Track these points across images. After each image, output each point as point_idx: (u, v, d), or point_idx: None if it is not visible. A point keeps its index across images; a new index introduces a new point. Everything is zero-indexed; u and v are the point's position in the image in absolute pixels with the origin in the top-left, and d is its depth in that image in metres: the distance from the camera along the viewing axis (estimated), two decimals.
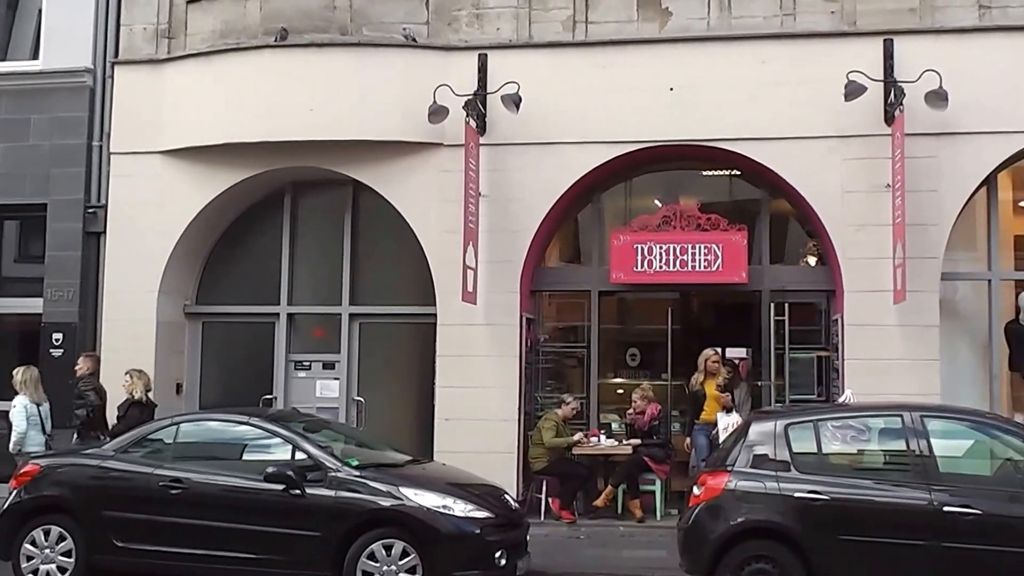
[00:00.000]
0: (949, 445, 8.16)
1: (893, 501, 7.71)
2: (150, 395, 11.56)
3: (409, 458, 9.74)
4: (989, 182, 11.74)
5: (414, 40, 12.38)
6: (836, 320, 11.93)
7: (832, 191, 11.62)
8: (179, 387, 13.33)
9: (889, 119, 11.26)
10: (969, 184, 11.48)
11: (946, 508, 7.49)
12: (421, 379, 12.85)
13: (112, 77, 13.36)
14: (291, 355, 13.31)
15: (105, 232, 13.14)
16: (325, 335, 13.40)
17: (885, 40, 11.47)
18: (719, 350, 12.31)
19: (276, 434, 9.10)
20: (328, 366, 13.21)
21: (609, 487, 12.06)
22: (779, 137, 11.70)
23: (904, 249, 10.76)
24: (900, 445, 7.99)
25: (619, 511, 12.07)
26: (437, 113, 11.72)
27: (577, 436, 12.13)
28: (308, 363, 13.30)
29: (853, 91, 11.09)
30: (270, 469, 8.59)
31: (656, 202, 12.96)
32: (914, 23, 11.62)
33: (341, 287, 13.19)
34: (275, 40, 12.36)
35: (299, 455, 8.81)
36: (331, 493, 8.51)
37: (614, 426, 12.90)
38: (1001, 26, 11.53)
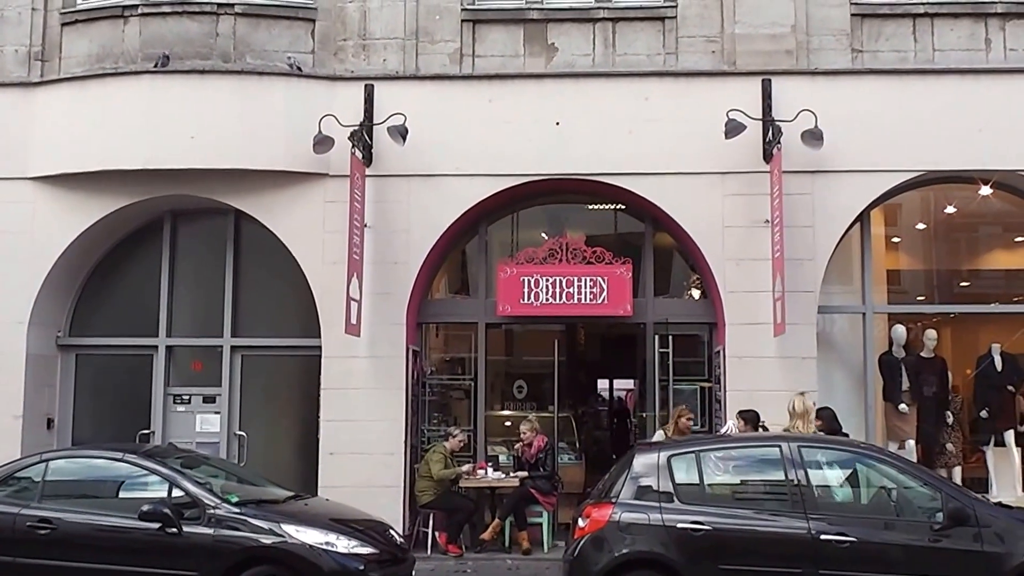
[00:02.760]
0: (826, 475, 8.37)
1: (772, 530, 7.83)
2: None
3: (291, 494, 9.55)
4: (862, 218, 12.15)
5: (299, 69, 12.25)
6: (718, 352, 12.14)
7: (713, 225, 11.86)
8: (50, 422, 12.80)
9: (767, 156, 11.57)
10: (843, 220, 11.85)
11: (823, 536, 7.64)
12: (305, 412, 12.63)
13: None
14: (170, 388, 12.93)
15: None
16: (205, 367, 13.06)
17: (763, 80, 11.80)
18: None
19: (152, 471, 8.82)
20: (208, 400, 12.86)
21: (496, 520, 12.00)
22: (662, 172, 11.92)
23: (783, 283, 11.02)
24: (779, 475, 8.11)
25: (506, 544, 12.01)
26: (322, 143, 11.60)
27: (465, 468, 12.07)
28: (188, 396, 12.93)
29: (733, 129, 11.36)
30: (145, 507, 8.31)
31: (543, 235, 13.03)
32: (790, 64, 11.98)
33: (222, 318, 12.88)
34: (155, 66, 12.08)
35: (176, 492, 8.54)
36: (209, 531, 8.28)
37: (501, 458, 12.89)
38: (872, 69, 11.98)
